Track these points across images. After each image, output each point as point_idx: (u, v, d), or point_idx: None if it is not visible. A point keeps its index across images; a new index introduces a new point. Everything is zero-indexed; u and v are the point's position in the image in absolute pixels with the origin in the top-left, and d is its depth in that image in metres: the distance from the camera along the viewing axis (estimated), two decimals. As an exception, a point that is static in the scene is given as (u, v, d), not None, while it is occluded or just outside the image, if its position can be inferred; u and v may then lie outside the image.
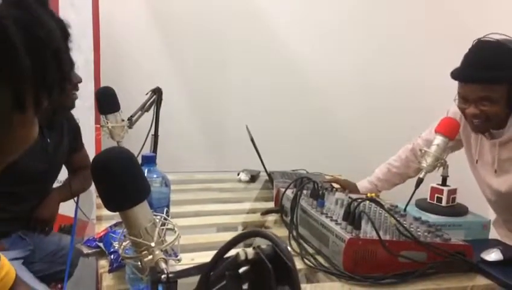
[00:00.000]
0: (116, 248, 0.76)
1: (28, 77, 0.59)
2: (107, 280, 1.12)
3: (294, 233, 1.37)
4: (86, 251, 1.23)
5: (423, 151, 1.50)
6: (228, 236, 1.55)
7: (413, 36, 2.68)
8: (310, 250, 1.30)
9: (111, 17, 2.55)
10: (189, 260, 1.22)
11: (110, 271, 1.10)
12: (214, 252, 1.32)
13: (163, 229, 0.73)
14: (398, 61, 2.70)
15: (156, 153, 2.05)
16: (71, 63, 0.67)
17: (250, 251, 0.44)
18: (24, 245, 1.64)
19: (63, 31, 0.64)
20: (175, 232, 0.75)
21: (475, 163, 1.62)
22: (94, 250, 1.24)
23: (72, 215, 1.75)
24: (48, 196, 1.71)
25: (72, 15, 2.46)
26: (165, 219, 0.75)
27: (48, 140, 1.67)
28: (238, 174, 2.14)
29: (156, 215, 0.74)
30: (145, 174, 1.08)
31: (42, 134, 1.65)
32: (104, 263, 1.19)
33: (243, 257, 0.44)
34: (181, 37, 2.72)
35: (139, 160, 1.15)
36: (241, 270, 0.42)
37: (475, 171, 1.65)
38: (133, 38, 2.68)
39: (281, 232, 1.47)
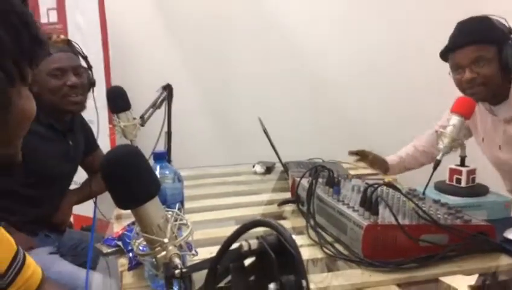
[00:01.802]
0: (132, 246, 0.76)
1: (7, 48, 0.62)
2: (127, 277, 1.13)
3: (312, 222, 1.36)
4: (105, 250, 1.24)
5: (439, 132, 1.47)
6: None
7: (427, 27, 2.61)
8: (329, 238, 1.29)
9: (117, 17, 2.56)
10: (207, 254, 1.21)
11: (129, 269, 1.10)
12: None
13: (176, 224, 0.73)
14: (412, 50, 2.65)
15: (169, 150, 2.07)
16: (38, 26, 0.69)
17: (253, 242, 0.44)
18: (50, 242, 1.70)
19: None
20: (188, 227, 0.74)
21: (482, 142, 1.66)
22: (113, 249, 1.25)
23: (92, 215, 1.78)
24: (64, 199, 1.74)
25: (79, 18, 2.48)
26: (177, 214, 0.74)
27: (70, 142, 1.71)
28: (253, 167, 2.14)
29: (168, 211, 0.74)
30: (157, 171, 1.09)
31: (64, 138, 1.69)
32: (123, 261, 1.19)
33: (246, 248, 0.43)
34: (189, 33, 2.71)
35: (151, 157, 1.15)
36: (246, 262, 0.42)
37: (483, 149, 1.70)
38: (141, 36, 2.69)
39: (298, 222, 1.46)
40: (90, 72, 1.74)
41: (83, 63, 1.74)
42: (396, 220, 1.10)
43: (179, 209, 0.76)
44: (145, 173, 0.69)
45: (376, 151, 2.03)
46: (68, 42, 1.66)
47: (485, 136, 1.67)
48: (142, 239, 0.72)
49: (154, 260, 0.70)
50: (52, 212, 1.72)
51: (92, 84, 1.75)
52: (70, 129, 1.74)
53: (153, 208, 0.70)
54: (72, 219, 2.54)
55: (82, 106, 1.68)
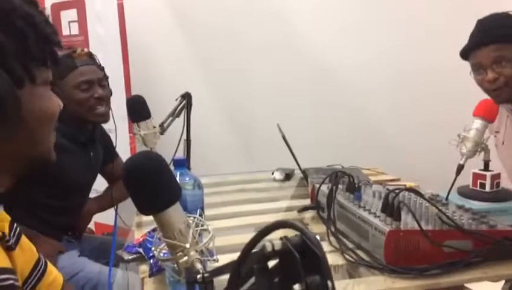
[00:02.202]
0: (153, 252, 0.76)
1: (10, 51, 0.64)
2: (149, 284, 1.13)
3: (333, 228, 1.35)
4: (126, 257, 1.25)
5: (462, 136, 1.45)
6: (269, 235, 1.54)
7: (441, 21, 2.58)
8: (350, 245, 1.27)
9: (137, 28, 2.60)
10: (228, 260, 1.21)
11: (150, 275, 1.11)
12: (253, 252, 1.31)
13: (197, 230, 0.73)
14: (427, 47, 2.62)
15: (189, 158, 2.08)
16: (50, 26, 0.71)
17: (277, 242, 0.43)
18: (73, 247, 1.74)
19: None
20: (209, 233, 0.74)
21: (501, 145, 1.59)
22: (134, 256, 1.25)
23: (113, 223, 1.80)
24: (85, 206, 1.77)
25: (100, 29, 2.53)
26: (199, 219, 0.74)
27: (91, 154, 1.74)
28: (273, 174, 2.13)
29: (189, 217, 0.74)
30: (178, 178, 1.09)
31: (86, 148, 1.72)
32: (144, 268, 1.20)
33: (269, 249, 0.43)
34: (208, 42, 2.74)
35: (171, 164, 1.16)
36: (270, 264, 0.41)
37: (500, 154, 1.63)
38: (160, 46, 2.73)
39: (319, 228, 1.45)
40: (107, 82, 1.77)
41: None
42: (419, 225, 1.09)
43: (200, 215, 0.76)
44: (166, 178, 0.69)
45: (397, 159, 2.01)
46: (90, 55, 1.69)
47: (505, 139, 1.63)
48: (164, 245, 0.72)
49: (175, 265, 0.70)
50: (75, 220, 1.75)
51: (110, 94, 1.78)
52: (92, 139, 1.77)
53: (175, 213, 0.70)
54: (93, 227, 2.58)
55: (107, 116, 1.72)
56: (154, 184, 0.68)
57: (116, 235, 1.54)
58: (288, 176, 2.12)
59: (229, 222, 1.63)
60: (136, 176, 0.68)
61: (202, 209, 1.11)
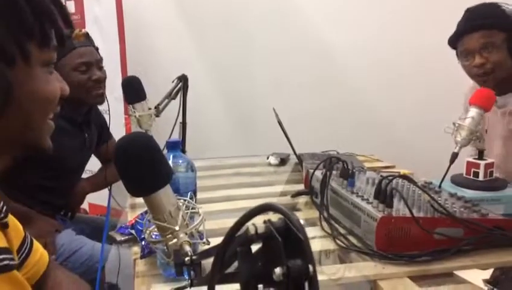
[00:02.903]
0: (144, 233, 0.76)
1: (2, 26, 0.59)
2: (140, 265, 1.13)
3: (325, 214, 1.35)
4: (119, 238, 1.25)
5: (457, 124, 1.44)
6: (261, 219, 1.55)
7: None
8: (342, 231, 1.28)
9: (134, 7, 2.56)
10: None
11: (141, 257, 1.11)
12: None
13: (187, 212, 0.73)
14: (429, 36, 2.59)
15: (184, 140, 2.08)
16: (57, 4, 0.67)
17: (260, 225, 0.43)
18: (68, 226, 1.75)
19: None
20: (200, 215, 0.74)
21: (485, 133, 1.60)
22: (127, 237, 1.26)
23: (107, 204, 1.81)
24: (77, 186, 1.78)
25: (96, 9, 2.49)
26: (189, 202, 0.74)
27: (86, 135, 1.74)
28: (268, 158, 2.13)
29: (180, 199, 0.74)
30: (171, 160, 1.09)
31: (82, 130, 1.72)
32: (136, 250, 1.20)
33: (252, 231, 0.43)
34: (206, 24, 2.71)
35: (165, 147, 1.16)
36: (254, 247, 0.41)
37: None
38: (157, 27, 2.70)
39: (312, 213, 1.45)
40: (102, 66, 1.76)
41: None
42: (411, 212, 1.09)
43: (191, 197, 0.75)
44: (157, 160, 0.69)
45: (393, 146, 2.01)
46: (88, 35, 1.68)
47: (489, 127, 1.65)
48: (154, 227, 0.72)
49: (165, 247, 0.70)
50: (68, 200, 1.77)
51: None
52: (87, 121, 1.76)
53: (165, 195, 0.70)
54: (87, 207, 2.58)
55: (103, 98, 1.72)
56: (144, 166, 0.67)
57: (109, 216, 1.54)
58: (283, 161, 2.12)
59: (223, 205, 1.63)
60: (126, 158, 0.67)
61: (194, 192, 1.11)
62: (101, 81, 1.68)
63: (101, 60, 1.71)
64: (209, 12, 2.69)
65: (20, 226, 0.91)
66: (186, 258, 0.63)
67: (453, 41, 1.60)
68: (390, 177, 1.19)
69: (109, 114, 1.86)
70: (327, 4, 2.71)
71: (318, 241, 1.26)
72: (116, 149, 0.68)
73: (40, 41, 0.65)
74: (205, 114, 2.62)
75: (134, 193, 0.70)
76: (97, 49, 1.73)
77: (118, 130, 2.11)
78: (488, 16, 1.53)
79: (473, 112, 1.43)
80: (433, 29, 2.48)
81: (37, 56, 0.65)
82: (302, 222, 0.38)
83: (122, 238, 1.24)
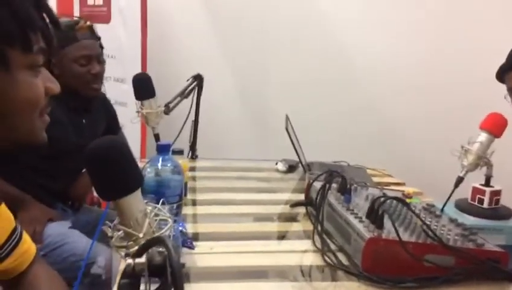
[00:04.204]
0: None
1: None
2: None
3: (319, 228, 1.33)
4: (110, 233, 1.26)
5: (465, 148, 1.40)
6: (255, 227, 1.52)
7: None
8: (333, 246, 1.26)
9: (157, 3, 2.59)
10: (207, 248, 1.22)
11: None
12: (234, 242, 1.30)
13: (156, 219, 0.73)
14: (454, 48, 2.51)
15: (195, 139, 2.09)
16: (41, 7, 0.66)
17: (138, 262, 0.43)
18: (67, 217, 1.74)
19: None
20: (168, 223, 0.74)
21: None
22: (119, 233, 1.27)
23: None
24: (81, 175, 1.77)
25: (122, 2, 2.53)
26: (159, 209, 0.74)
27: (84, 121, 1.74)
28: (276, 164, 2.12)
29: (150, 206, 0.74)
30: (159, 163, 1.10)
31: (78, 114, 1.73)
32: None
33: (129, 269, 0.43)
34: (227, 23, 2.72)
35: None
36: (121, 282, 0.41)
37: None
38: (180, 25, 2.73)
39: (307, 226, 1.44)
40: (101, 48, 1.74)
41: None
42: (398, 235, 1.06)
43: (162, 203, 0.76)
44: (127, 166, 0.69)
45: (406, 163, 1.95)
46: (91, 28, 1.69)
47: None
48: (121, 232, 0.73)
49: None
50: (68, 186, 1.74)
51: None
52: (85, 107, 1.76)
53: (133, 201, 0.70)
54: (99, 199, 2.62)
55: (98, 92, 1.73)
56: (113, 172, 0.68)
57: (108, 209, 1.55)
58: (291, 168, 2.11)
59: (223, 209, 1.63)
60: (94, 163, 0.68)
61: (180, 195, 1.11)
62: (99, 76, 1.69)
63: (101, 53, 1.72)
64: (235, 14, 2.69)
65: (12, 216, 0.93)
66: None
67: (500, 75, 1.42)
68: (383, 198, 1.16)
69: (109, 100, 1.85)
70: (348, 8, 2.66)
71: (309, 255, 1.25)
72: (86, 152, 0.68)
73: (22, 46, 0.64)
74: (218, 115, 2.63)
75: (102, 196, 0.70)
76: (99, 38, 1.72)
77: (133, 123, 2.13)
78: None
79: (483, 136, 1.38)
80: (459, 41, 2.42)
81: (19, 61, 0.65)
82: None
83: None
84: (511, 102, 1.40)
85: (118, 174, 0.68)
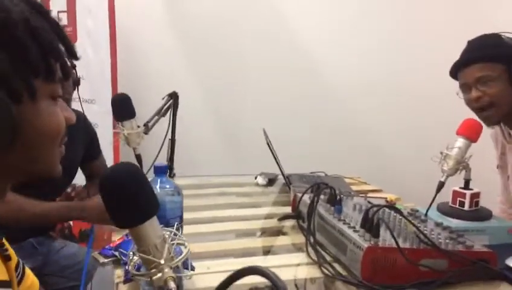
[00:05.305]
0: (128, 265, 0.75)
1: (3, 64, 0.58)
2: (122, 289, 1.12)
3: (312, 240, 1.35)
4: (101, 260, 1.23)
5: (444, 154, 1.46)
6: (245, 243, 1.52)
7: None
8: (328, 257, 1.27)
9: (127, 23, 2.57)
10: (204, 268, 1.21)
11: (125, 282, 1.09)
12: (230, 259, 1.30)
13: (173, 244, 0.72)
14: (425, 60, 2.62)
15: (172, 157, 2.06)
16: (61, 38, 0.66)
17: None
18: (35, 255, 1.62)
19: (28, 4, 0.63)
20: (186, 247, 0.74)
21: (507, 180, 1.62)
22: (110, 259, 1.24)
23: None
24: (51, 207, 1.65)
25: (90, 22, 2.49)
26: (175, 234, 0.73)
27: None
28: (256, 178, 2.13)
29: (166, 231, 0.73)
30: (158, 185, 1.08)
31: None
32: (120, 272, 1.18)
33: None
34: (197, 41, 2.73)
35: (152, 169, 1.15)
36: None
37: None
38: (149, 44, 2.70)
39: (298, 238, 1.45)
40: (74, 70, 1.67)
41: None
42: (397, 243, 1.09)
43: (177, 228, 0.75)
44: (144, 192, 0.68)
45: (381, 169, 2.01)
46: None
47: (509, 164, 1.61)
48: (137, 259, 0.71)
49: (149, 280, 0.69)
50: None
51: (75, 83, 1.70)
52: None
53: (151, 227, 0.69)
54: (71, 223, 2.53)
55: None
56: (130, 199, 0.66)
57: (92, 235, 1.50)
58: (271, 181, 2.12)
59: (208, 227, 1.61)
60: (111, 189, 0.66)
61: (181, 217, 1.10)
62: (68, 101, 1.61)
63: (78, 80, 1.67)
64: (203, 30, 2.70)
65: (13, 252, 0.89)
66: (170, 295, 0.62)
67: (453, 73, 1.56)
68: (377, 207, 1.19)
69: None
70: (321, 25, 2.74)
71: (304, 268, 1.26)
72: (102, 179, 0.67)
73: (46, 76, 0.64)
74: (195, 131, 2.62)
75: (120, 224, 0.69)
76: (74, 66, 1.65)
77: (106, 145, 2.09)
78: (485, 48, 1.48)
79: (460, 142, 1.44)
80: (431, 53, 2.54)
81: (43, 90, 0.64)
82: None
83: (105, 260, 1.22)
84: (463, 98, 1.53)
85: (138, 201, 0.67)
